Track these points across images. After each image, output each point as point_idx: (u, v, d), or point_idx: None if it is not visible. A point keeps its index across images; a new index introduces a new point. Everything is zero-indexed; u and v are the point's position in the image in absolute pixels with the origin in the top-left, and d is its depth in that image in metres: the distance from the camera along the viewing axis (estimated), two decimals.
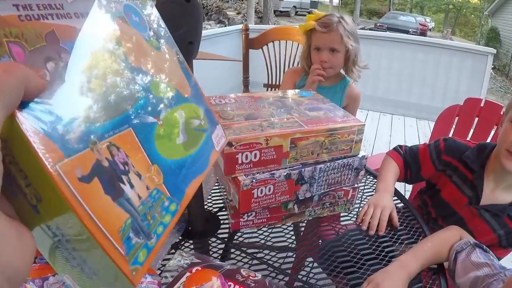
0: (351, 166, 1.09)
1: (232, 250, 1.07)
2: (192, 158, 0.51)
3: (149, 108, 0.45)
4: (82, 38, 0.38)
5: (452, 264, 1.04)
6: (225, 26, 16.76)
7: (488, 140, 1.95)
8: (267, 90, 2.53)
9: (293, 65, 2.67)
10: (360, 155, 1.10)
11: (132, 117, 0.41)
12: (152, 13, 0.54)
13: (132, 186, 0.38)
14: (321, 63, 1.82)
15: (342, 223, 1.23)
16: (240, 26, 5.46)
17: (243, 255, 1.03)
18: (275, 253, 1.06)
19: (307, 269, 1.04)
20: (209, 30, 4.99)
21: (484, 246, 1.04)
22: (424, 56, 5.44)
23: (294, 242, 1.16)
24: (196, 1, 0.76)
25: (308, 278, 0.99)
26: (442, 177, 1.41)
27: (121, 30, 0.44)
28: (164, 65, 0.52)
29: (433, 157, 1.41)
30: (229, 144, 0.89)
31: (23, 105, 0.29)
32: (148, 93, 0.45)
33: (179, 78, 0.54)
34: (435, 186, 1.46)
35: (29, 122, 0.29)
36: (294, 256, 1.10)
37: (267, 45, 2.66)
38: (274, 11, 22.28)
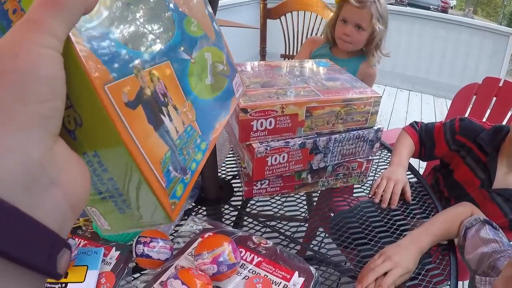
0: (366, 138, 1.09)
1: (245, 218, 1.08)
2: (217, 101, 0.51)
3: (184, 45, 0.44)
4: None
5: (462, 240, 1.03)
6: None
7: (505, 121, 1.92)
8: (284, 60, 2.51)
9: (311, 35, 2.63)
10: (375, 127, 1.09)
11: (170, 50, 0.41)
12: None
13: (171, 119, 0.38)
14: (343, 35, 1.82)
15: (354, 195, 1.23)
16: None
17: (256, 223, 1.04)
18: (287, 223, 1.06)
19: (319, 239, 1.05)
20: (226, 0, 4.93)
21: (494, 224, 1.03)
22: (445, 34, 5.38)
23: (307, 213, 1.16)
24: None
25: (319, 248, 1.00)
26: (456, 157, 1.40)
27: None
28: (193, 4, 0.51)
29: (447, 137, 1.40)
30: (244, 110, 0.89)
31: None
32: (182, 30, 0.45)
33: (206, 20, 0.53)
34: (448, 166, 1.45)
35: (79, 38, 0.29)
36: (307, 226, 1.11)
37: (285, 15, 2.61)
38: None
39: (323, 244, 1.02)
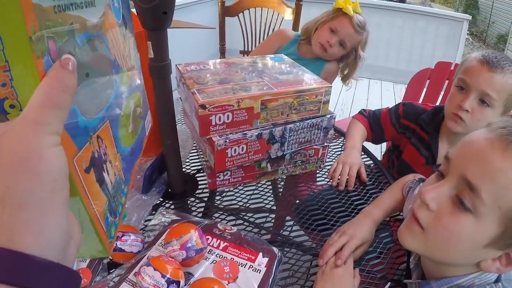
0: (320, 125, 1.16)
1: (215, 211, 1.13)
2: (135, 145, 0.55)
3: (117, 100, 0.49)
4: (87, 31, 0.41)
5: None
6: None
7: None
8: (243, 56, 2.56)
9: (268, 32, 2.69)
10: (328, 115, 1.17)
11: (109, 109, 0.45)
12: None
13: (108, 173, 0.43)
14: (326, 43, 1.87)
15: (318, 183, 1.29)
16: None
17: (221, 212, 1.10)
18: (252, 215, 1.11)
19: (289, 229, 1.10)
20: None
21: None
22: (402, 22, 5.50)
23: (273, 204, 1.22)
24: None
25: (289, 233, 1.06)
26: (403, 139, 1.51)
27: (108, 21, 0.48)
28: (126, 53, 0.55)
29: (393, 121, 1.50)
30: (203, 106, 0.95)
31: None
32: (118, 85, 0.50)
33: (133, 64, 0.58)
34: (398, 147, 1.55)
35: None
36: (274, 216, 1.16)
37: (243, 12, 2.68)
38: None
39: (292, 232, 1.07)
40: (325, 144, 1.23)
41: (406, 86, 4.88)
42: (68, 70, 0.33)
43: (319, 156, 1.25)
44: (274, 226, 1.12)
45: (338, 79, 2.11)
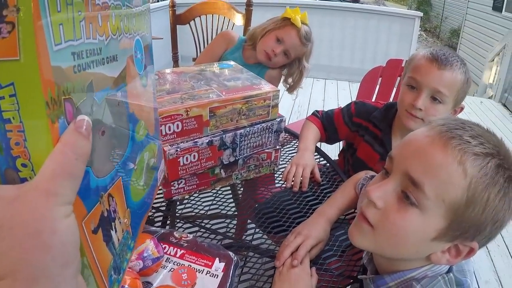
0: (270, 129, 1.19)
1: (176, 221, 1.14)
2: (146, 197, 0.53)
3: (132, 155, 0.47)
4: (107, 87, 0.40)
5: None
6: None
7: None
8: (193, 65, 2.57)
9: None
10: (278, 119, 1.19)
11: (123, 166, 0.44)
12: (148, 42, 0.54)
13: (116, 231, 0.42)
14: (271, 51, 1.88)
15: (277, 185, 1.32)
16: (167, 2, 5.40)
17: (183, 221, 1.11)
18: (214, 222, 1.12)
19: (252, 232, 1.13)
20: None
21: None
22: (354, 22, 5.63)
23: (234, 209, 1.24)
24: None
25: (252, 240, 1.08)
26: (357, 137, 1.54)
27: (129, 73, 0.47)
28: (145, 104, 0.53)
29: (346, 120, 1.54)
30: None
31: None
32: (133, 140, 0.48)
33: (150, 116, 0.56)
34: (352, 145, 1.59)
35: None
36: (236, 221, 1.18)
37: (194, 19, 2.69)
38: None
39: (255, 236, 1.10)
40: (277, 147, 1.26)
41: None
42: (82, 135, 0.33)
43: (272, 160, 1.27)
44: (236, 232, 1.14)
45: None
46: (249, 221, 1.21)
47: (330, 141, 1.61)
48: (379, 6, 6.59)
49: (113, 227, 0.41)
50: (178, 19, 2.66)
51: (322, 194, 1.25)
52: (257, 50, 1.94)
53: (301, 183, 1.27)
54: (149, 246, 0.83)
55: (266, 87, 1.15)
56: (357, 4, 6.69)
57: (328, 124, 1.56)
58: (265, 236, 1.11)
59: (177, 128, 1.01)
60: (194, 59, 2.69)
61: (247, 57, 2.02)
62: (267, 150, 1.23)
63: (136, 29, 0.49)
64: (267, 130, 1.18)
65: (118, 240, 0.43)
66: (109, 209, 0.40)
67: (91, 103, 0.36)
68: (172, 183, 1.10)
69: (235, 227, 1.15)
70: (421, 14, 5.64)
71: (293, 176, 1.27)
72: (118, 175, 0.42)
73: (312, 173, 1.30)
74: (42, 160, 0.30)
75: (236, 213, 1.24)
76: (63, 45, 0.31)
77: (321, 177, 1.32)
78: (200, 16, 2.68)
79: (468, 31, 10.33)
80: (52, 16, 0.29)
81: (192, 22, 2.69)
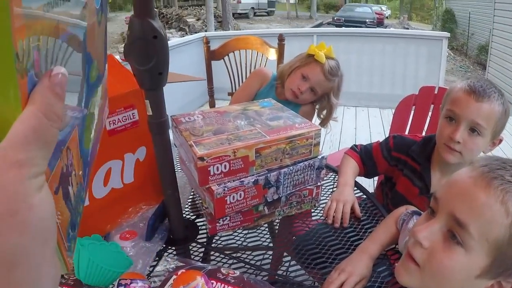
0: (312, 167, 1.22)
1: (212, 253, 1.17)
2: (95, 143, 0.48)
3: (85, 100, 0.42)
4: (70, 28, 0.35)
5: None
6: (186, 33, 16.77)
7: None
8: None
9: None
10: (319, 156, 1.22)
11: (79, 114, 0.39)
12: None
13: (72, 185, 0.37)
14: (297, 90, 1.91)
15: (313, 217, 1.33)
16: (201, 35, 5.56)
17: (222, 256, 1.14)
18: (250, 253, 1.15)
19: (286, 265, 1.14)
20: (171, 41, 5.06)
21: (422, 212, 1.12)
22: (382, 47, 5.68)
23: (270, 241, 1.26)
24: (163, 36, 0.87)
25: (288, 273, 1.09)
26: (396, 171, 1.56)
27: (90, 9, 0.41)
28: (99, 42, 0.47)
29: (384, 154, 1.56)
30: (201, 159, 1.00)
31: None
32: (87, 82, 0.43)
33: (101, 53, 0.49)
34: (391, 179, 1.60)
35: None
36: (272, 254, 1.19)
37: (228, 55, 2.76)
38: (233, 14, 22.36)
39: (290, 268, 1.11)
40: (318, 183, 1.28)
41: (392, 110, 4.99)
42: (58, 96, 0.29)
43: (313, 196, 1.29)
44: (272, 264, 1.16)
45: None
46: (284, 254, 1.23)
47: (369, 175, 1.63)
48: (405, 30, 6.65)
49: (70, 182, 0.36)
50: (212, 55, 2.73)
51: (362, 230, 1.26)
52: (285, 88, 1.98)
53: (342, 218, 1.27)
54: (200, 283, 0.85)
55: (308, 126, 1.18)
56: (383, 29, 6.74)
57: (367, 158, 1.57)
58: (300, 269, 1.11)
59: (225, 168, 1.05)
60: (229, 94, 2.75)
61: (279, 93, 2.06)
62: (309, 187, 1.26)
63: None
64: (309, 168, 1.21)
65: (74, 194, 0.38)
66: (67, 163, 0.35)
67: (57, 49, 0.32)
68: (217, 220, 1.14)
69: (270, 258, 1.17)
70: (448, 34, 5.62)
71: (334, 212, 1.28)
72: (74, 124, 0.37)
73: (352, 208, 1.31)
74: (7, 121, 0.26)
75: (271, 245, 1.26)
76: None
77: (360, 212, 1.33)
78: (233, 52, 2.75)
79: (496, 47, 10.10)
80: None
81: (226, 57, 2.76)
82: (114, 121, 1.05)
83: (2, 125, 0.26)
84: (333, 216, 1.28)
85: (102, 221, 1.10)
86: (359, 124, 5.15)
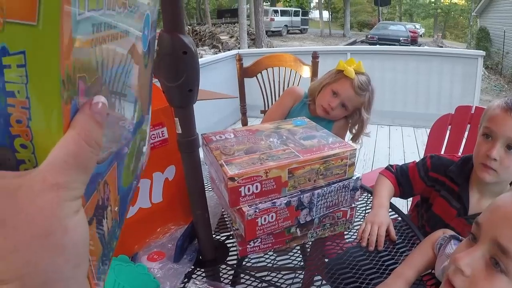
0: (346, 188, 1.17)
1: (242, 275, 1.14)
2: (133, 182, 0.49)
3: (127, 137, 0.43)
4: (116, 64, 0.37)
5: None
6: (219, 50, 16.99)
7: None
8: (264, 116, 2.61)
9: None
10: (354, 177, 1.18)
11: (120, 150, 0.40)
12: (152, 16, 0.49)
13: (106, 220, 0.38)
14: (328, 106, 1.89)
15: (346, 239, 1.29)
16: (234, 52, 5.60)
17: (252, 279, 1.10)
18: (282, 275, 1.12)
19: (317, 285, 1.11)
20: (203, 58, 5.10)
21: (460, 237, 1.09)
22: (416, 65, 5.58)
23: (301, 263, 1.22)
24: (193, 52, 0.85)
25: None
26: (432, 192, 1.50)
27: (136, 51, 0.43)
28: (144, 85, 0.49)
29: (421, 175, 1.51)
30: (232, 179, 0.97)
31: None
32: (131, 122, 0.44)
33: (146, 96, 0.51)
34: (428, 200, 1.54)
35: None
36: (303, 275, 1.15)
37: (261, 72, 2.75)
38: (266, 32, 22.53)
39: None
40: (353, 205, 1.23)
41: (426, 129, 4.90)
42: (98, 124, 0.30)
43: (347, 218, 1.25)
44: (303, 286, 1.12)
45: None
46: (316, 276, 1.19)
47: (405, 196, 1.58)
48: (440, 48, 6.54)
49: (105, 216, 0.38)
50: (245, 73, 2.73)
51: (398, 253, 1.21)
52: (316, 105, 1.97)
53: (376, 241, 1.23)
54: None
55: (342, 146, 1.14)
56: (417, 47, 6.66)
57: (403, 179, 1.52)
58: None
59: (256, 189, 1.02)
60: (262, 111, 2.73)
61: (312, 110, 2.04)
62: (342, 209, 1.22)
63: (148, 2, 0.45)
64: (343, 189, 1.16)
65: (108, 229, 0.39)
66: (103, 197, 0.37)
67: (101, 83, 0.33)
68: (248, 242, 1.10)
69: (301, 281, 1.13)
70: (483, 53, 5.48)
71: (368, 235, 1.24)
72: (114, 160, 0.39)
73: (387, 231, 1.27)
74: (47, 144, 0.27)
75: (302, 265, 1.22)
76: (86, 14, 0.28)
77: (396, 234, 1.28)
78: (267, 69, 2.74)
79: None
80: None
81: (259, 75, 2.74)
82: None
83: (43, 149, 0.27)
84: (368, 239, 1.24)
85: (129, 241, 1.08)
86: (393, 144, 5.06)
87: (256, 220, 1.04)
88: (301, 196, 1.09)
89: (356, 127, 2.03)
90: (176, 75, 0.84)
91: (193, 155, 0.98)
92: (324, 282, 1.12)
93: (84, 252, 0.29)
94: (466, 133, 2.12)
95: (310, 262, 1.22)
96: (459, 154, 2.06)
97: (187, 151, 0.97)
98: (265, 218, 1.05)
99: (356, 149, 1.14)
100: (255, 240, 1.11)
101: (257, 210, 1.03)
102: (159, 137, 1.08)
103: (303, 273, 1.17)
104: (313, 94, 2.01)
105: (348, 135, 2.08)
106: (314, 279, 1.16)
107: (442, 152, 2.14)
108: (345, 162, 1.13)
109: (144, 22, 0.44)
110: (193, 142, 0.96)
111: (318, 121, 1.55)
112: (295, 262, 1.19)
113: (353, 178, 1.18)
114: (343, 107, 1.91)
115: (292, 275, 1.12)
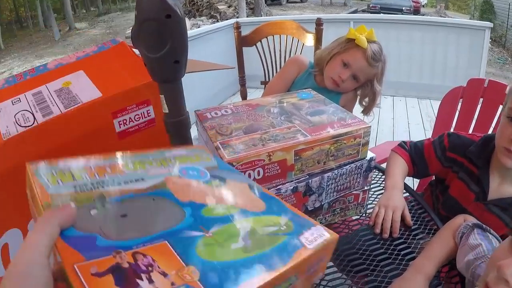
0: (359, 169, 1.04)
1: None
2: (253, 259, 0.47)
3: (195, 226, 0.49)
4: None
5: None
6: (217, 20, 16.71)
7: (494, 122, 1.91)
8: (264, 87, 2.46)
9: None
10: (368, 158, 1.05)
11: (170, 234, 0.46)
12: (217, 164, 0.68)
13: (151, 282, 0.39)
14: (338, 78, 1.73)
15: (355, 219, 1.22)
16: (232, 21, 5.40)
17: None
18: None
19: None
20: (200, 28, 4.93)
21: (484, 226, 1.01)
22: (421, 35, 5.43)
23: None
24: (178, 15, 0.70)
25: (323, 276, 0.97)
26: (449, 173, 1.37)
27: (172, 181, 0.56)
28: (225, 194, 0.59)
29: (438, 154, 1.37)
30: (230, 164, 0.84)
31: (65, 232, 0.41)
32: (195, 216, 0.51)
33: (246, 200, 0.59)
34: (444, 182, 1.42)
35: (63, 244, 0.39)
36: None
37: (260, 41, 2.59)
38: (265, 0, 22.13)
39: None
40: (365, 188, 1.11)
41: (431, 101, 4.79)
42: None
43: (359, 201, 1.13)
44: None
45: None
46: None
47: (418, 176, 1.45)
48: (446, 18, 6.32)
49: (143, 277, 0.40)
50: (244, 41, 2.56)
51: (410, 237, 1.13)
52: (324, 77, 1.80)
53: (391, 227, 1.13)
54: None
55: (356, 123, 1.00)
56: (421, 16, 6.48)
57: (417, 157, 1.39)
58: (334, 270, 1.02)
59: (258, 175, 0.89)
60: (262, 82, 2.58)
61: (319, 81, 1.88)
62: (354, 192, 1.09)
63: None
64: (356, 171, 1.03)
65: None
66: (134, 262, 0.40)
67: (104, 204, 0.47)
68: None
69: None
70: (491, 24, 5.31)
71: (382, 220, 1.14)
72: (160, 240, 0.45)
73: (402, 215, 1.16)
74: None
75: None
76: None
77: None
78: (267, 37, 2.57)
79: None
80: None
81: (258, 43, 2.58)
82: (124, 121, 0.88)
83: None
84: (381, 225, 1.14)
85: None
86: (397, 115, 4.91)
87: None
88: (309, 180, 0.96)
89: (367, 99, 1.86)
90: (159, 44, 0.69)
91: (183, 138, 0.84)
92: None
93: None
94: (478, 107, 2.01)
95: None
96: (470, 129, 1.99)
97: (176, 134, 0.83)
98: None
99: (370, 126, 1.01)
100: None
101: None
102: (145, 117, 0.92)
103: None
104: (320, 64, 1.83)
105: (356, 110, 1.92)
106: None
107: (453, 127, 2.05)
108: (358, 141, 1.00)
109: (186, 169, 0.61)
110: (182, 123, 0.81)
111: (324, 92, 1.40)
112: None
113: (366, 158, 1.05)
114: (354, 79, 1.74)
115: None
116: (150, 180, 0.54)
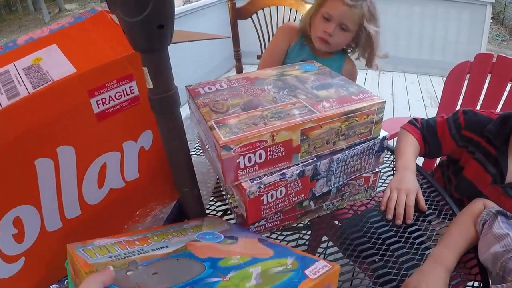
0: (371, 150, 0.94)
1: None
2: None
3: (214, 274, 0.57)
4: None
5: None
6: None
7: (503, 98, 1.82)
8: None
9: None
10: (381, 137, 0.94)
11: (194, 282, 0.54)
12: (229, 227, 0.80)
13: None
14: (324, 34, 1.57)
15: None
16: None
17: None
18: (285, 236, 0.99)
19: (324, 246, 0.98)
20: (192, 4, 4.76)
21: (508, 213, 0.93)
22: (421, 10, 5.32)
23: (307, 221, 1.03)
24: None
25: (325, 256, 0.94)
26: (464, 153, 1.27)
27: (195, 245, 0.67)
28: (237, 248, 0.69)
29: (452, 133, 1.26)
30: (226, 148, 0.72)
31: None
32: (214, 267, 0.58)
33: (256, 250, 0.69)
34: (458, 162, 1.31)
35: None
36: (309, 236, 1.00)
37: (256, 13, 2.45)
38: None
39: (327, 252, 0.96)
40: (377, 169, 1.00)
41: (430, 76, 4.69)
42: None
43: (369, 184, 1.03)
44: (310, 248, 0.98)
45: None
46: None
47: (430, 155, 1.34)
48: None
49: None
50: (238, 13, 2.43)
51: (423, 221, 1.05)
52: (313, 40, 1.64)
53: (404, 212, 1.03)
54: None
55: (368, 98, 0.89)
56: None
57: (430, 136, 1.28)
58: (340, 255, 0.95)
59: (260, 158, 0.78)
60: (258, 57, 2.45)
61: (317, 53, 1.71)
62: (365, 174, 0.98)
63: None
64: (368, 151, 0.93)
65: None
66: None
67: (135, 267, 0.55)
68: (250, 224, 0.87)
69: (307, 242, 0.98)
70: (493, 0, 5.20)
71: (395, 204, 1.04)
72: (186, 287, 0.52)
73: (416, 199, 1.06)
74: None
75: (307, 223, 1.03)
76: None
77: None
78: (263, 9, 2.44)
79: None
80: None
81: (254, 16, 2.45)
82: (103, 100, 0.74)
83: None
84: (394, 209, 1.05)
85: (101, 233, 0.81)
86: (396, 91, 4.81)
87: (261, 198, 0.81)
88: (318, 163, 0.85)
89: (368, 49, 1.69)
90: (139, 5, 0.57)
91: (171, 117, 0.72)
92: (331, 244, 0.99)
93: None
94: (486, 83, 1.92)
95: (317, 220, 1.03)
96: (478, 106, 1.91)
97: (162, 112, 0.71)
98: (272, 195, 0.82)
99: (385, 101, 0.89)
100: (259, 220, 0.88)
101: (261, 186, 0.79)
102: (127, 94, 0.78)
103: (308, 233, 1.01)
104: (306, 30, 1.69)
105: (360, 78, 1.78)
106: (322, 239, 1.02)
107: (459, 104, 1.97)
108: (371, 119, 0.89)
109: (203, 235, 0.73)
110: (170, 99, 0.70)
111: (325, 62, 1.27)
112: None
113: (379, 137, 0.94)
114: (343, 30, 1.57)
115: (297, 236, 0.99)
116: (173, 246, 0.64)
